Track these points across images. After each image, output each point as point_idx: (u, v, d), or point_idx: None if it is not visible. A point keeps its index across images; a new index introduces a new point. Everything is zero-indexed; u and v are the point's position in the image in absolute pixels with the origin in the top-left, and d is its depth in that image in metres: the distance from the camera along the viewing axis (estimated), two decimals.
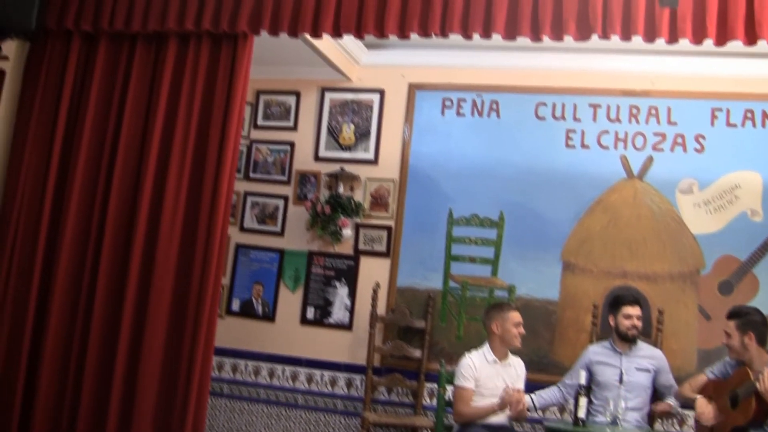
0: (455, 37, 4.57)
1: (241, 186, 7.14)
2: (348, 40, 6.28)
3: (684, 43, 4.28)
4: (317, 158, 7.10)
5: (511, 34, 4.40)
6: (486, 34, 4.42)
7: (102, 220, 5.08)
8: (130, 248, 4.98)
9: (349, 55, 6.84)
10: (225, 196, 4.92)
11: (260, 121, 7.30)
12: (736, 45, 4.18)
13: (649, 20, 4.20)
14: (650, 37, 4.22)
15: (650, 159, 6.34)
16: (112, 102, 5.21)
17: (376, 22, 4.59)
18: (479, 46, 6.13)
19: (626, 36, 4.24)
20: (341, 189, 6.81)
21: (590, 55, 6.37)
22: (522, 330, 5.41)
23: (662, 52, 5.85)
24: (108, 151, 5.16)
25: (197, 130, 5.03)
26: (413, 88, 6.92)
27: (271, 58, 6.68)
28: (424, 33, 4.51)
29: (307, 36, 5.18)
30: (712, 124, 6.31)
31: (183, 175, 5.00)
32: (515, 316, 5.41)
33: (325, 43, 6.18)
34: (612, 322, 5.62)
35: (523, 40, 4.51)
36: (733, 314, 5.12)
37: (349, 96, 7.07)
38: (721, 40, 4.13)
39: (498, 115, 6.68)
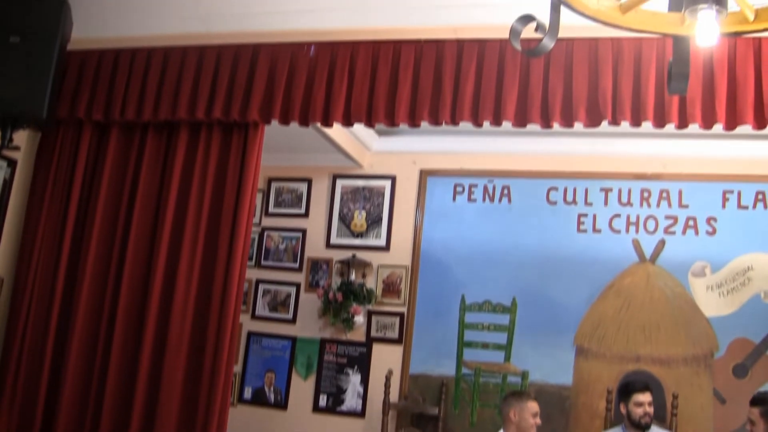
0: (466, 124, 4.58)
1: (252, 273, 7.16)
2: (359, 127, 6.32)
3: (694, 127, 4.29)
4: (329, 245, 7.11)
5: (521, 121, 4.42)
6: (496, 122, 4.45)
7: (113, 308, 5.06)
8: (141, 336, 4.95)
9: (361, 142, 6.89)
10: (237, 284, 4.90)
11: (272, 209, 7.33)
12: (746, 127, 4.19)
13: (659, 106, 4.23)
14: (660, 122, 4.23)
15: (662, 242, 6.33)
16: (124, 190, 5.24)
17: (386, 111, 4.62)
18: (490, 132, 6.19)
19: (636, 122, 4.26)
20: (353, 276, 6.81)
21: (601, 139, 6.40)
22: (539, 420, 5.34)
23: (673, 135, 5.88)
24: (119, 239, 5.17)
25: (208, 218, 5.04)
26: (425, 174, 6.95)
27: (282, 145, 6.74)
28: (435, 121, 4.54)
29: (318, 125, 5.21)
30: (724, 206, 6.30)
31: (194, 263, 5.00)
32: (533, 406, 5.35)
33: (337, 130, 6.23)
34: (623, 410, 5.55)
35: (534, 125, 4.52)
36: (757, 401, 5.05)
37: (361, 182, 7.11)
38: (731, 125, 4.15)
39: (509, 201, 6.70)
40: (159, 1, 4.91)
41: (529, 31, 2.60)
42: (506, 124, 4.55)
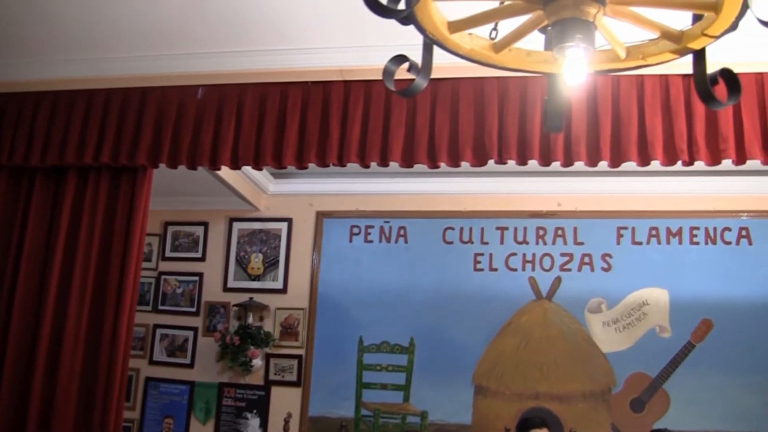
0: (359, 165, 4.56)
1: (150, 318, 7.03)
2: (254, 170, 6.28)
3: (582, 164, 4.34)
4: (226, 289, 7.01)
5: (408, 162, 4.42)
6: (383, 162, 4.44)
7: (1, 355, 4.88)
8: (29, 390, 4.78)
9: (257, 185, 6.82)
10: (126, 328, 4.79)
11: (168, 253, 7.21)
12: (639, 164, 4.25)
13: (545, 144, 4.27)
14: (546, 161, 4.27)
15: (558, 279, 6.38)
16: (12, 235, 5.08)
17: (273, 153, 4.58)
18: (386, 173, 6.19)
19: (522, 161, 4.29)
20: (250, 319, 6.71)
21: (496, 178, 6.45)
22: None
23: (567, 173, 5.95)
24: (7, 284, 5.00)
25: (97, 263, 4.93)
26: (321, 216, 6.92)
27: (178, 189, 6.66)
28: (322, 163, 4.52)
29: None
30: (618, 242, 6.40)
31: (83, 310, 4.87)
32: None
33: (232, 173, 6.16)
34: None
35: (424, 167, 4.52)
36: None
37: (257, 225, 7.04)
38: (615, 162, 4.21)
39: (406, 241, 6.70)
40: (47, 45, 4.78)
41: (404, 71, 2.58)
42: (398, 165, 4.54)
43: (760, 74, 4.16)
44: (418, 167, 4.55)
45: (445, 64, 4.16)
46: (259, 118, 4.68)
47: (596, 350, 6.23)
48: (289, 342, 6.72)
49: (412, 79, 2.56)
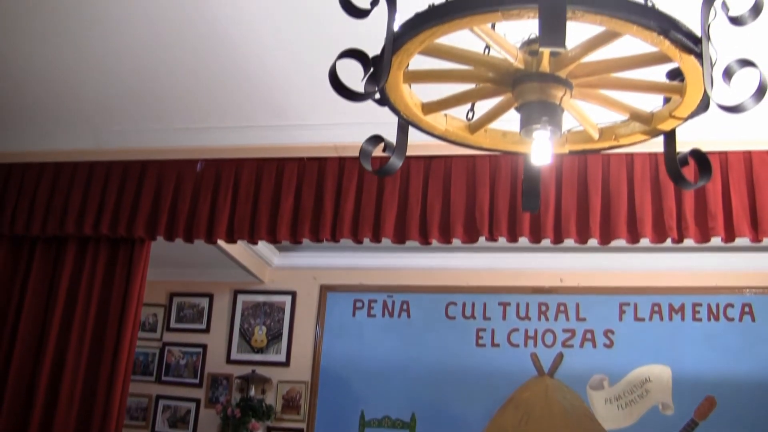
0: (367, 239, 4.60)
1: (152, 389, 7.05)
2: (260, 242, 6.30)
3: (591, 241, 4.35)
4: (229, 361, 7.01)
5: (399, 238, 4.46)
6: (375, 238, 4.48)
7: None
8: None
9: (261, 258, 6.86)
10: (119, 399, 4.81)
11: (173, 324, 7.24)
12: (641, 241, 4.25)
13: (535, 221, 4.30)
14: (536, 238, 4.29)
15: (560, 356, 6.34)
16: (10, 303, 5.12)
17: (268, 227, 4.62)
18: (389, 247, 6.18)
19: (512, 238, 4.31)
20: (253, 392, 6.70)
21: (498, 254, 6.48)
22: None
23: (569, 249, 5.97)
24: (4, 352, 5.02)
25: (93, 333, 4.96)
26: (324, 290, 6.94)
27: (184, 260, 6.71)
28: (316, 238, 4.56)
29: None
30: (621, 318, 6.37)
31: (77, 377, 4.89)
32: None
33: (237, 246, 6.20)
34: None
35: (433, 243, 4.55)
36: None
37: (261, 298, 7.06)
38: (605, 239, 4.22)
39: (408, 316, 6.70)
40: (49, 116, 4.87)
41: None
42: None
43: (748, 152, 4.19)
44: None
45: (437, 143, 4.27)
46: (254, 192, 4.73)
47: (598, 427, 6.17)
48: (291, 415, 6.69)
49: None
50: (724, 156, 4.16)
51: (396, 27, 2.17)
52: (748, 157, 4.18)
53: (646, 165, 4.26)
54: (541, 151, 2.37)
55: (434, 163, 4.50)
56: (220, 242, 5.40)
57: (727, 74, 2.10)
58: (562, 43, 1.87)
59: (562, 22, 1.85)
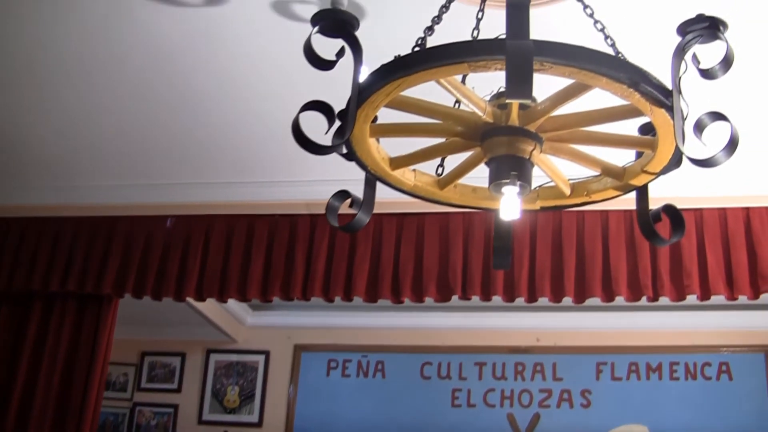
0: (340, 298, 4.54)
1: None
2: (233, 301, 6.21)
3: (566, 299, 4.30)
4: (201, 421, 6.87)
5: (372, 297, 4.41)
6: (347, 297, 4.43)
7: None
8: None
9: (234, 317, 6.76)
10: None
11: (144, 383, 7.09)
12: (618, 300, 4.22)
13: (508, 279, 4.25)
14: (509, 296, 4.25)
15: (537, 416, 6.25)
16: None
17: (238, 286, 4.56)
18: (364, 306, 6.09)
19: (486, 296, 4.27)
20: None
21: (475, 313, 6.40)
22: None
23: (546, 308, 5.90)
24: None
25: (58, 392, 4.83)
26: (299, 350, 6.83)
27: (156, 318, 6.61)
28: (286, 297, 4.49)
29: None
30: (598, 378, 6.29)
31: None
32: None
33: (210, 304, 6.09)
34: None
35: (407, 302, 4.50)
36: None
37: (235, 357, 6.94)
38: (580, 298, 4.18)
39: (383, 376, 6.60)
40: (18, 170, 4.80)
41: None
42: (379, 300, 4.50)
43: (723, 209, 4.17)
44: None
45: (410, 200, 4.23)
46: (225, 250, 4.66)
47: None
48: None
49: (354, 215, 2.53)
50: (699, 213, 4.13)
51: (362, 79, 2.13)
52: (722, 214, 4.15)
53: (621, 222, 4.23)
54: (511, 206, 2.32)
55: (407, 220, 4.46)
56: (193, 301, 5.33)
57: (699, 128, 2.07)
58: (529, 95, 1.82)
59: (529, 73, 1.81)
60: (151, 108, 4.01)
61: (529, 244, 4.30)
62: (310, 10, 2.19)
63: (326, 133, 2.15)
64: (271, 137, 4.14)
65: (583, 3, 2.47)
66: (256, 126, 4.09)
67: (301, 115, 2.10)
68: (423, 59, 2.02)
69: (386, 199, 4.15)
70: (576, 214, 4.25)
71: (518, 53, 1.83)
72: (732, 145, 2.00)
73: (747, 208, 4.14)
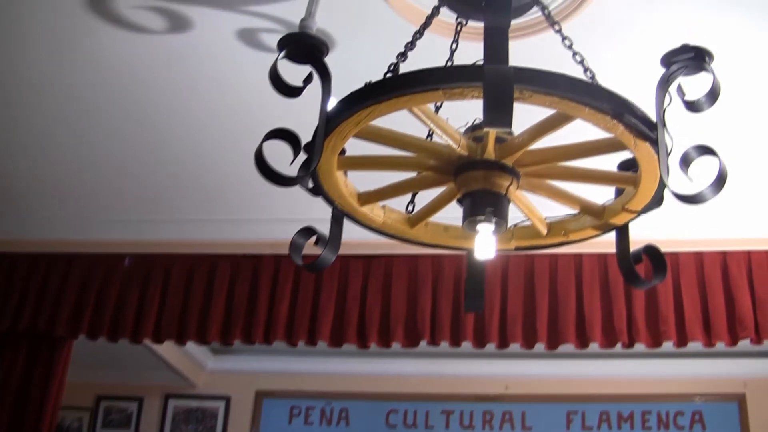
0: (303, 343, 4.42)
1: None
2: (193, 344, 6.03)
3: (538, 346, 4.21)
4: None
5: (337, 341, 4.29)
6: (311, 341, 4.31)
7: None
8: None
9: (194, 361, 6.58)
10: None
11: (99, 429, 6.86)
12: (591, 346, 4.14)
13: (479, 325, 4.15)
14: (480, 342, 4.15)
15: None
16: None
17: (198, 328, 4.41)
18: (328, 352, 5.96)
19: (455, 342, 4.17)
20: None
21: (442, 359, 6.28)
22: None
23: (515, 355, 5.76)
24: None
25: None
26: (260, 396, 6.66)
27: (113, 361, 6.40)
28: (248, 340, 4.36)
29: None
30: (568, 427, 6.20)
31: None
32: None
33: (169, 347, 5.91)
34: None
35: (373, 347, 4.39)
36: None
37: (194, 403, 6.74)
38: (553, 344, 4.09)
39: (348, 424, 6.45)
40: None
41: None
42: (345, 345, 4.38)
43: (699, 253, 4.10)
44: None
45: (378, 241, 4.12)
46: (185, 290, 4.52)
47: None
48: None
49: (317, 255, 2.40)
50: (675, 257, 4.05)
51: (330, 107, 2.00)
52: (699, 258, 4.08)
53: (595, 266, 4.16)
54: (485, 245, 2.19)
55: (374, 263, 4.36)
56: (151, 343, 5.14)
57: (685, 162, 1.95)
58: (509, 124, 1.70)
59: (509, 100, 1.70)
60: (109, 140, 3.89)
61: (500, 288, 4.20)
62: (277, 39, 2.07)
63: (291, 164, 2.01)
64: (235, 172, 4.02)
65: (561, 34, 2.37)
66: (219, 160, 3.98)
67: (266, 144, 1.97)
68: (395, 86, 1.90)
69: (353, 240, 4.08)
70: (549, 257, 4.17)
71: (497, 78, 1.72)
72: (720, 180, 1.90)
73: (724, 252, 4.07)
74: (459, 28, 2.58)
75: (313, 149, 2.00)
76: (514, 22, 2.70)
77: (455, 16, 2.61)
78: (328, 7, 2.75)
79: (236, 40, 3.06)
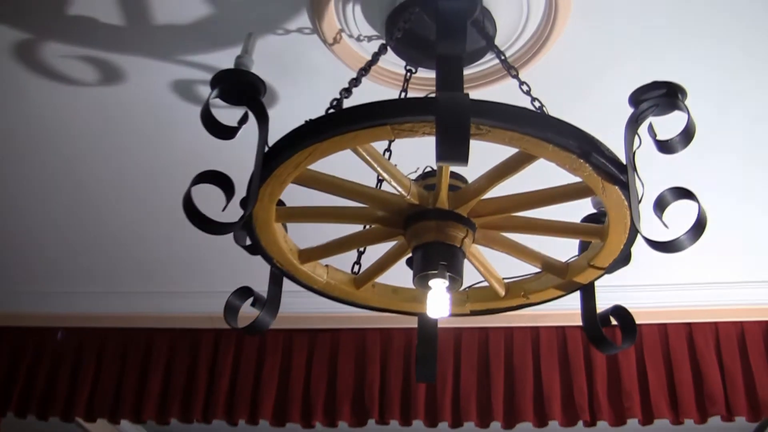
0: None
1: None
2: (127, 423, 5.77)
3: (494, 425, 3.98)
4: None
5: (279, 420, 4.05)
6: (252, 420, 4.08)
7: None
8: None
9: None
10: None
11: None
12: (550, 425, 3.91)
13: (431, 402, 3.95)
14: (432, 421, 3.93)
15: None
16: None
17: (134, 406, 4.19)
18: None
19: (406, 421, 3.95)
20: None
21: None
22: None
23: None
24: None
25: None
26: None
27: None
28: (186, 419, 4.14)
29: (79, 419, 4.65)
30: None
31: None
32: None
33: (102, 426, 5.60)
34: None
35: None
36: None
37: None
38: (509, 422, 3.89)
39: None
40: None
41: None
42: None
43: (663, 324, 3.93)
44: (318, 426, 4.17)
45: (324, 314, 3.94)
46: (120, 366, 4.30)
47: None
48: None
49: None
50: (638, 329, 3.86)
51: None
52: (663, 329, 3.92)
53: (554, 339, 3.98)
54: (439, 302, 1.98)
55: (319, 336, 4.17)
56: (84, 422, 4.87)
57: (660, 206, 1.77)
58: (465, 158, 1.53)
59: (465, 130, 1.52)
60: (37, 203, 3.67)
61: (453, 362, 4.00)
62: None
63: (224, 209, 1.80)
64: (172, 242, 3.84)
65: (519, 79, 2.21)
66: (154, 229, 3.78)
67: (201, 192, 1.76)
68: (337, 121, 1.71)
69: (297, 313, 3.94)
70: (504, 330, 4.01)
71: (451, 106, 1.55)
72: (699, 226, 1.72)
73: (689, 323, 3.92)
74: (408, 76, 2.43)
75: (249, 193, 1.80)
76: (468, 72, 2.55)
77: (403, 64, 2.46)
78: (266, 55, 2.59)
79: (172, 92, 2.88)
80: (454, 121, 1.52)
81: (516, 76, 2.23)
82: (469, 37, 2.27)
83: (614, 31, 2.53)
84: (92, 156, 3.30)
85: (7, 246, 4.04)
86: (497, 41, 2.38)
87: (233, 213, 1.77)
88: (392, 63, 2.54)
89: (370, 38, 2.50)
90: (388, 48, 2.21)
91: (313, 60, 2.65)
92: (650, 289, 3.75)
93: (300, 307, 3.97)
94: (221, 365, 4.18)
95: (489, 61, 2.57)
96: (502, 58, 2.27)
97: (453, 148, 1.51)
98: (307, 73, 2.71)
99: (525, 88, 2.19)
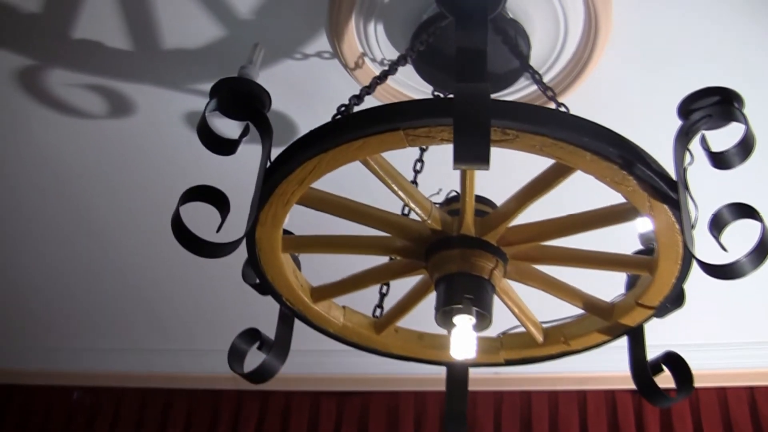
0: None
1: None
2: None
3: None
4: None
5: None
6: None
7: None
8: None
9: None
10: None
11: None
12: None
13: None
14: None
15: None
16: None
17: None
18: None
19: None
20: None
21: None
22: None
23: None
24: None
25: None
26: None
27: None
28: None
29: None
30: None
31: None
32: None
33: None
34: None
35: None
36: None
37: None
38: None
39: None
40: None
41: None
42: None
43: (722, 388, 3.66)
44: None
45: (354, 374, 3.76)
46: (136, 428, 4.18)
47: None
48: None
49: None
50: (694, 393, 3.62)
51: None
52: (722, 394, 3.65)
53: (602, 405, 3.75)
54: (463, 342, 1.74)
55: (349, 400, 3.99)
56: None
57: (716, 225, 1.51)
58: (485, 159, 1.31)
59: (485, 126, 1.30)
60: (49, 251, 3.55)
61: (492, 428, 3.80)
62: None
63: (218, 230, 1.58)
64: (192, 297, 3.73)
65: (555, 101, 2.00)
66: (173, 282, 3.65)
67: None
68: (344, 127, 1.50)
69: (324, 374, 3.75)
70: (548, 393, 3.80)
71: (470, 99, 1.33)
72: (762, 248, 1.45)
73: (751, 387, 3.65)
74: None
75: (249, 214, 1.59)
76: (500, 94, 2.34)
77: (431, 89, 2.27)
78: (283, 81, 2.43)
79: (185, 126, 2.70)
80: (472, 114, 1.31)
81: (553, 98, 2.02)
82: (501, 56, 2.08)
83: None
84: (104, 197, 3.18)
85: (17, 299, 3.96)
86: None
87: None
88: (412, 87, 2.36)
89: None
90: (408, 61, 2.02)
91: (334, 86, 2.47)
92: (709, 350, 3.52)
93: (328, 367, 3.80)
94: (243, 428, 4.04)
95: (524, 88, 2.37)
96: (537, 77, 2.06)
97: (471, 147, 1.30)
98: (328, 100, 2.52)
99: (549, 93, 2.00)
